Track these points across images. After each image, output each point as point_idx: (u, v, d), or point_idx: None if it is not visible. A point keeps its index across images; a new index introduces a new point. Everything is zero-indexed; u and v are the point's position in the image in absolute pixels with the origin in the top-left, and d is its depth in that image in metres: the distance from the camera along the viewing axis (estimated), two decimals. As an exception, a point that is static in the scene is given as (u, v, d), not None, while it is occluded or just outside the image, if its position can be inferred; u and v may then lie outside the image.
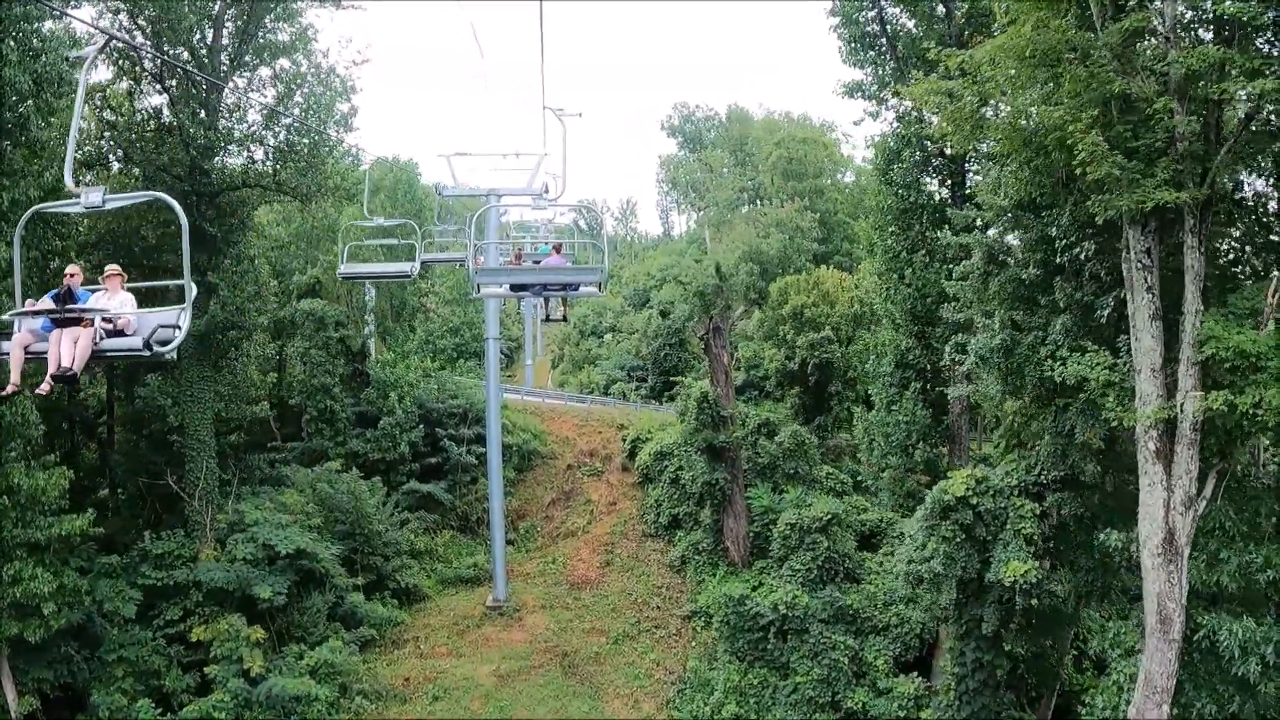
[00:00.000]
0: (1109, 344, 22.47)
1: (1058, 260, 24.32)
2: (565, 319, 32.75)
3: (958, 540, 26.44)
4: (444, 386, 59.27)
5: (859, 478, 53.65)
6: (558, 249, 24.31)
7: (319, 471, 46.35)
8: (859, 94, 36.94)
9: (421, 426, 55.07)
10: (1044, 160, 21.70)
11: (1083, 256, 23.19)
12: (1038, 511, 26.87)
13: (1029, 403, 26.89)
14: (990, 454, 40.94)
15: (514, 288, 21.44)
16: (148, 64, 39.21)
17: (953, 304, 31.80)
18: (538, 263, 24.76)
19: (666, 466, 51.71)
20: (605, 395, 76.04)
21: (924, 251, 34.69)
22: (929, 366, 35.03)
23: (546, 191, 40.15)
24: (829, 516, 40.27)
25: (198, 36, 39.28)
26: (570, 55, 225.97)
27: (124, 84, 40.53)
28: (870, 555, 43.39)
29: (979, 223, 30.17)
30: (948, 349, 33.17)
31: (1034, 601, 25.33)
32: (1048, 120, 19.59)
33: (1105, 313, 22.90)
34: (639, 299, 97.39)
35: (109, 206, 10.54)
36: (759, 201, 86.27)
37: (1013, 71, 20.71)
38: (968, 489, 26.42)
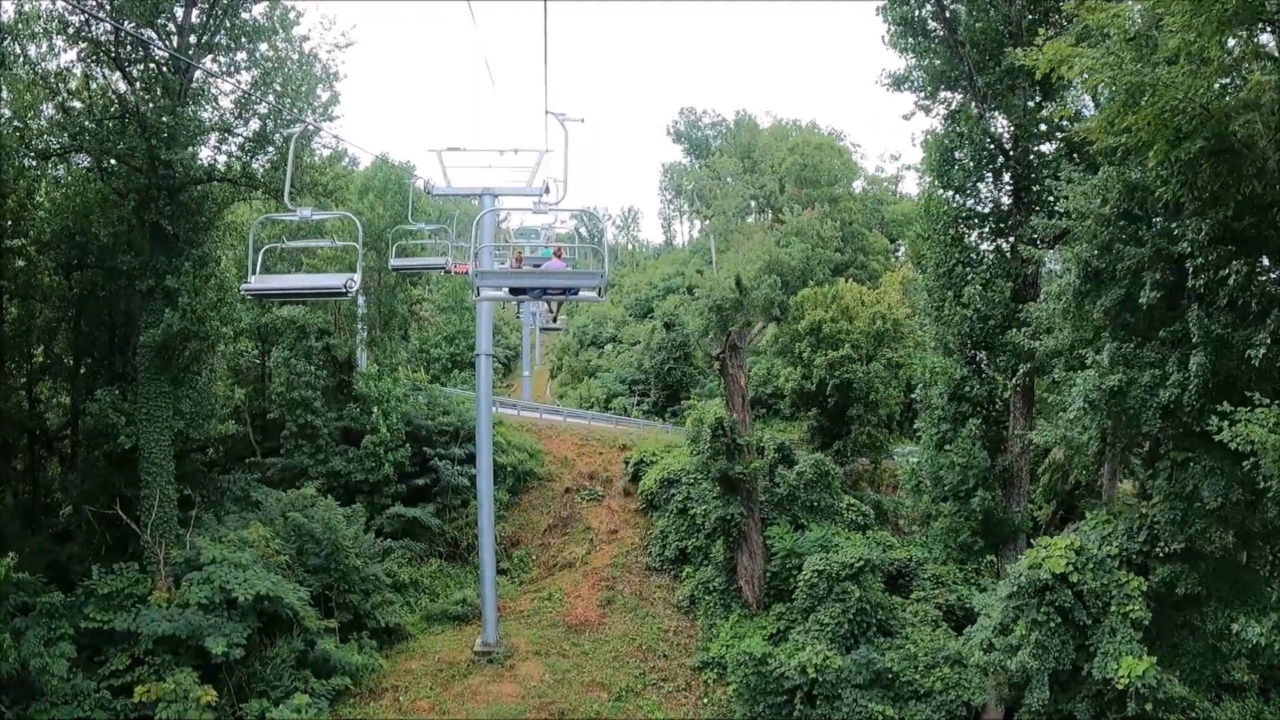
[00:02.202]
0: (1275, 391, 16.92)
1: (1190, 283, 18.80)
2: (555, 319, 30.36)
3: (1052, 625, 20.81)
4: (435, 401, 53.67)
5: (882, 506, 48.21)
6: (559, 253, 23.43)
7: (293, 497, 40.70)
8: (906, 86, 31.40)
9: (409, 445, 49.55)
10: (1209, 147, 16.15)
11: (1232, 280, 17.65)
12: (1144, 588, 21.30)
13: (1139, 456, 21.37)
14: (1041, 505, 35.60)
15: (513, 291, 20.31)
16: (105, 39, 33.62)
17: (1023, 329, 26.33)
18: (537, 266, 23.61)
19: (674, 495, 46.09)
20: (606, 409, 70.47)
21: (985, 266, 29.16)
22: (987, 400, 29.36)
23: (547, 191, 34.58)
24: (861, 563, 34.72)
25: (163, 18, 33.71)
26: (571, 62, 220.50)
27: (79, 66, 34.83)
28: (902, 601, 37.88)
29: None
30: (1010, 381, 27.77)
31: (1148, 707, 19.67)
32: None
33: (1259, 352, 17.34)
34: (641, 309, 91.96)
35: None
36: (768, 210, 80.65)
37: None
38: (1068, 564, 20.74)
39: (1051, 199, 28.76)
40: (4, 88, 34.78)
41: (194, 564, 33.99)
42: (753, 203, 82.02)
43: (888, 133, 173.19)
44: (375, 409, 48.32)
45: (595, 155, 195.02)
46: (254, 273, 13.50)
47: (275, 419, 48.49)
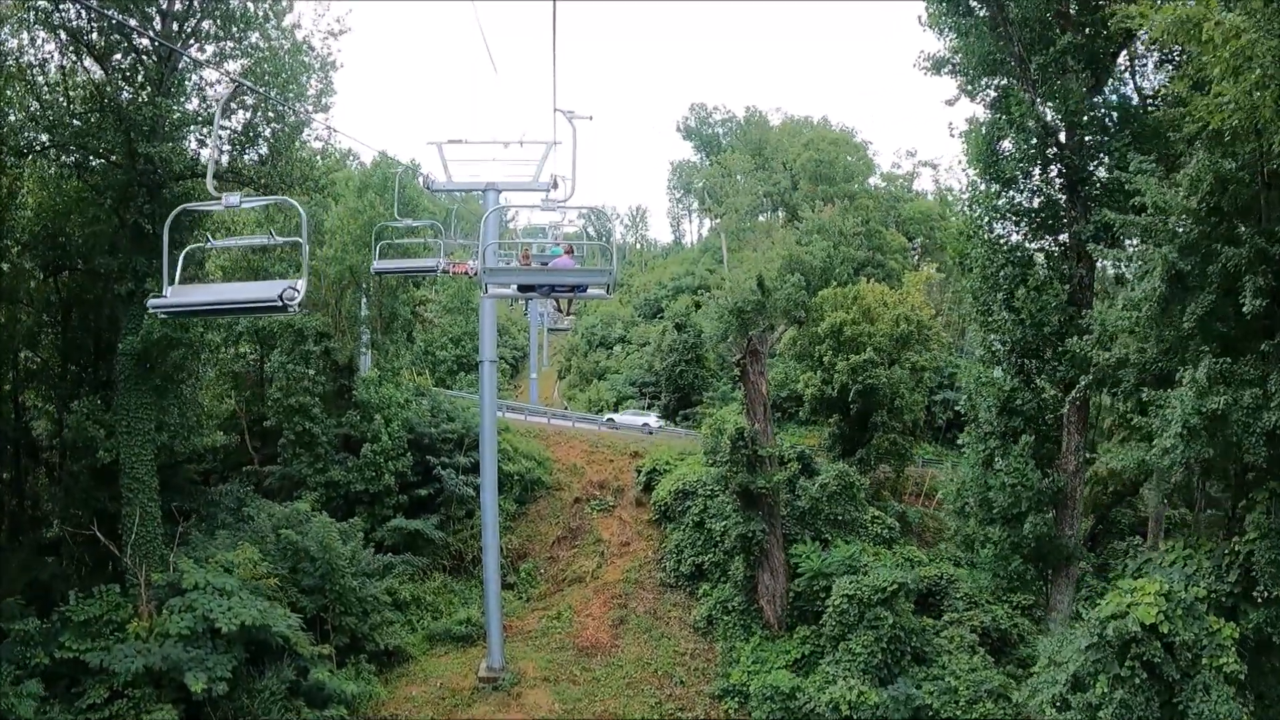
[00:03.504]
0: None
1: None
2: (567, 314, 27.92)
3: (1137, 682, 17.78)
4: (439, 408, 50.66)
5: (907, 517, 45.21)
6: (569, 251, 22.60)
7: (287, 512, 37.79)
8: (947, 69, 28.35)
9: (411, 453, 46.64)
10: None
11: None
12: (1236, 636, 18.27)
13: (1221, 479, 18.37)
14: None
15: (522, 288, 20.07)
16: (83, 26, 30.93)
17: (1083, 337, 23.32)
18: (545, 264, 22.33)
19: (689, 507, 43.11)
20: (616, 413, 67.54)
21: (1036, 266, 26.11)
22: (1038, 413, 26.22)
23: (555, 186, 31.57)
24: (894, 586, 31.75)
25: (149, 6, 31.05)
26: (578, 61, 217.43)
27: (55, 58, 32.09)
28: (934, 623, 34.92)
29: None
30: (1069, 395, 24.72)
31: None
32: None
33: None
34: (650, 309, 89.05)
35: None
36: (781, 208, 77.51)
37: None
38: (1159, 612, 17.69)
39: (1101, 193, 25.91)
40: None
41: (177, 588, 31.14)
42: (766, 200, 78.88)
43: (901, 130, 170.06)
44: (376, 416, 45.46)
45: (603, 154, 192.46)
46: (171, 282, 10.39)
47: (273, 426, 45.69)
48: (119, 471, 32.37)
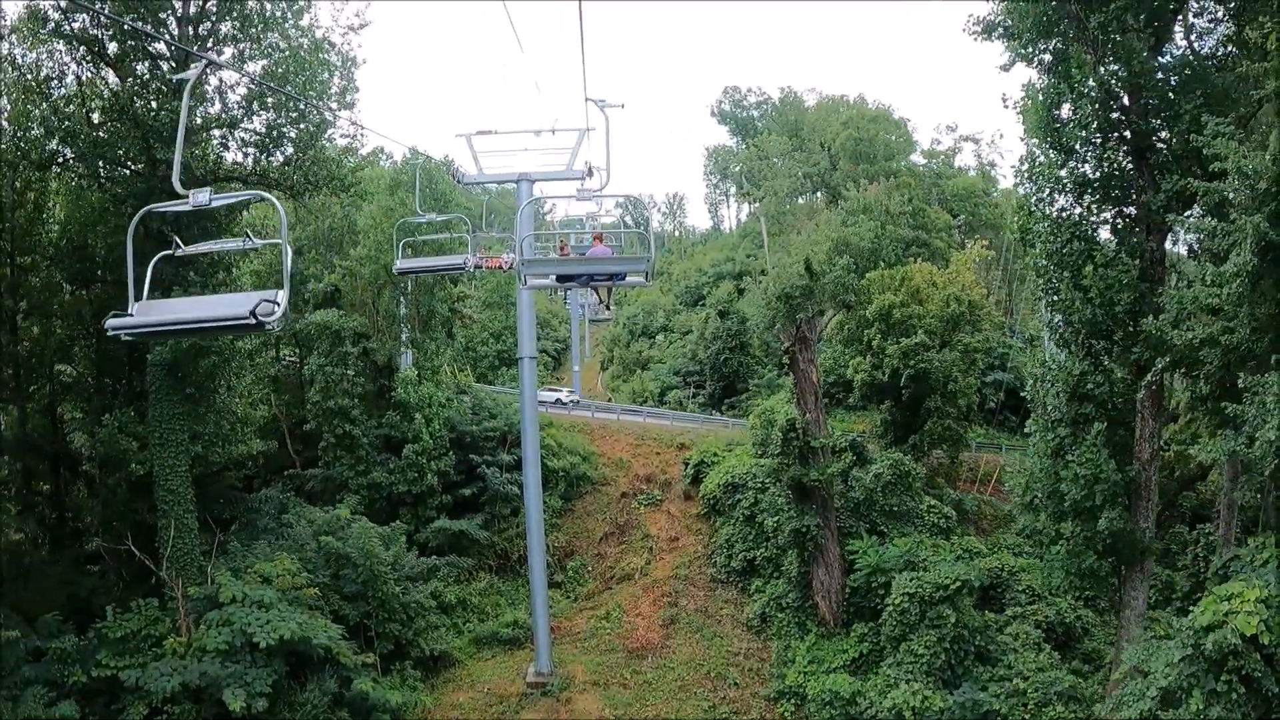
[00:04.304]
0: None
1: None
2: (607, 306, 26.65)
3: (1234, 697, 15.92)
4: (480, 405, 49.45)
5: (963, 505, 43.11)
6: (598, 238, 22.30)
7: (327, 518, 36.80)
8: (998, 33, 26.30)
9: (453, 452, 45.50)
10: None
11: None
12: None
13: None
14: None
15: (561, 279, 19.49)
16: (99, 35, 30.05)
17: (1159, 316, 21.38)
18: (583, 254, 22.16)
19: (740, 501, 41.50)
20: (661, 403, 66.00)
21: (1103, 240, 24.08)
22: (1109, 399, 24.19)
23: (590, 174, 30.01)
24: (956, 584, 29.94)
25: (164, 11, 30.04)
26: (610, 49, 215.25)
27: (73, 69, 31.23)
28: (996, 618, 33.07)
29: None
30: (1144, 378, 22.78)
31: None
32: None
33: None
34: (691, 296, 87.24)
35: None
36: (822, 189, 75.20)
37: None
38: (1259, 622, 15.79)
39: (1169, 159, 23.84)
40: (3, 95, 31.53)
41: (215, 601, 30.15)
42: (806, 181, 76.63)
43: (937, 106, 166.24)
44: (417, 415, 44.34)
45: (637, 142, 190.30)
46: (137, 298, 8.92)
47: (313, 429, 44.78)
48: (153, 484, 31.50)
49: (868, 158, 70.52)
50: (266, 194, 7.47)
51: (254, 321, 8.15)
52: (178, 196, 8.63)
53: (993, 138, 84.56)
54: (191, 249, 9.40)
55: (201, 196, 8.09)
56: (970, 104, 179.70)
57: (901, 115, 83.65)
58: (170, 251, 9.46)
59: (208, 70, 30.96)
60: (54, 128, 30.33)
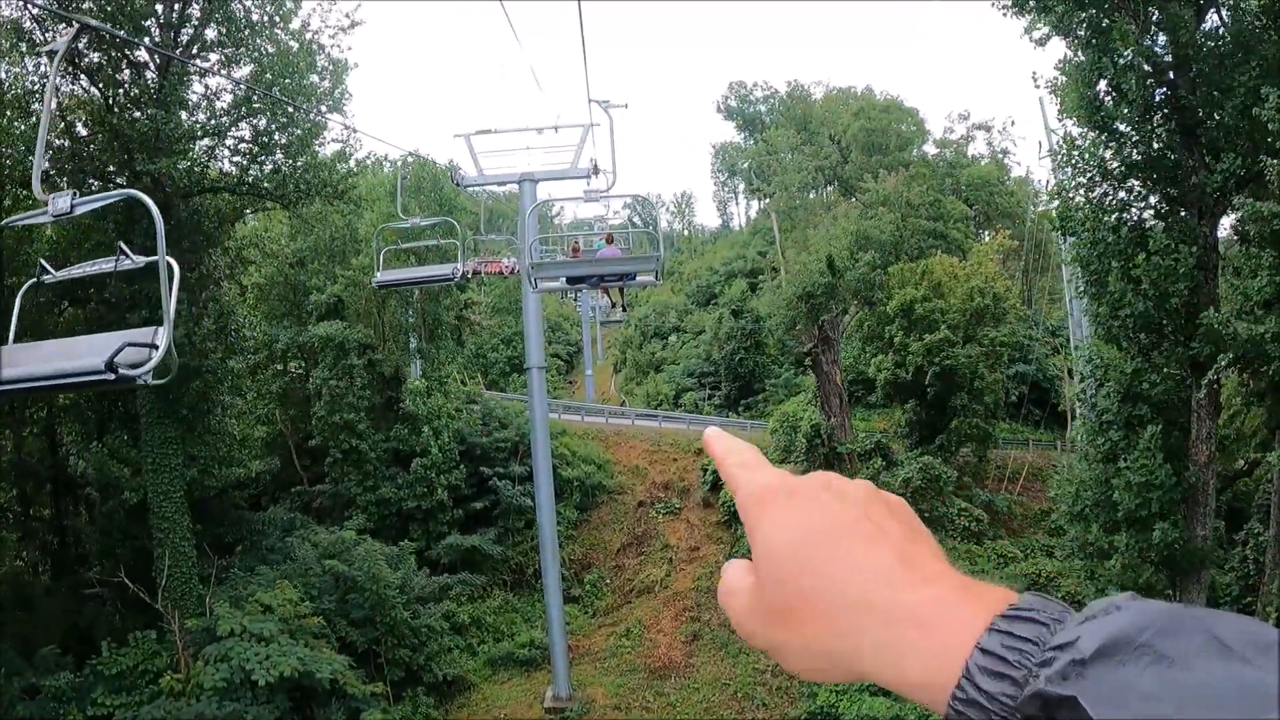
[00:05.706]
0: None
1: None
2: (619, 308, 25.25)
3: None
4: (490, 415, 47.51)
5: (994, 505, 40.89)
6: (609, 239, 22.65)
7: (332, 540, 34.95)
8: (1030, 6, 24.17)
9: (464, 465, 43.58)
10: None
11: None
12: None
13: None
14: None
15: (571, 281, 19.90)
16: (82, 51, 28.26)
17: (1220, 309, 19.22)
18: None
19: (761, 509, 39.34)
20: (676, 407, 63.92)
21: (1163, 229, 21.94)
22: (1167, 399, 22.05)
23: (596, 173, 28.03)
24: (998, 595, 27.76)
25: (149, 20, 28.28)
26: (612, 47, 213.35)
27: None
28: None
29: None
30: (1205, 376, 20.64)
31: None
32: None
33: None
34: (703, 295, 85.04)
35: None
36: (834, 182, 73.02)
37: None
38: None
39: (1220, 136, 21.73)
40: None
41: (213, 634, 28.32)
42: (818, 175, 74.41)
43: (945, 95, 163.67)
44: (425, 428, 42.43)
45: (642, 141, 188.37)
46: (5, 339, 6.82)
47: (319, 445, 42.95)
48: (146, 511, 29.73)
49: (880, 148, 68.30)
50: (139, 193, 5.51)
51: (113, 376, 5.89)
52: (38, 205, 6.56)
53: (1004, 125, 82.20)
54: (63, 274, 7.35)
55: (62, 202, 6.06)
56: (977, 92, 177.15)
57: (911, 105, 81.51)
58: (38, 279, 7.40)
59: (190, 75, 29.28)
60: (32, 144, 28.66)
